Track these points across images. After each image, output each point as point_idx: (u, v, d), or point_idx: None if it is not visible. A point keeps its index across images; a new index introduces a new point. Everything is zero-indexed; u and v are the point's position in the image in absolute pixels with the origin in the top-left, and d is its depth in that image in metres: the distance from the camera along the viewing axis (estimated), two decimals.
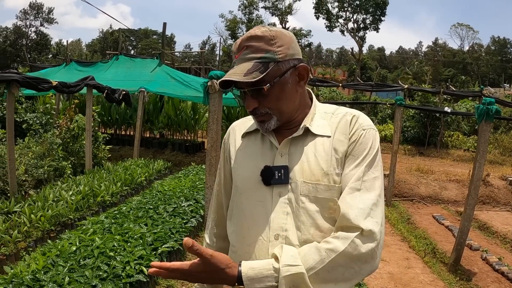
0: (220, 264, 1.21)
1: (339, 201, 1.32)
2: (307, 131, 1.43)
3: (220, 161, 1.68)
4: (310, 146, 1.41)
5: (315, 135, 1.42)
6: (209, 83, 4.24)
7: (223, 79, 1.34)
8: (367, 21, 42.13)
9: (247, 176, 1.45)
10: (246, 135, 1.55)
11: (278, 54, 1.35)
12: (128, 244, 4.23)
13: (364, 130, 1.41)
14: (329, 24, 42.87)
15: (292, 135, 1.42)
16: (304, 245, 1.32)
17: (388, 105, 14.03)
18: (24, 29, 58.11)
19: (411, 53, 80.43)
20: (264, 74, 1.30)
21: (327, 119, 1.46)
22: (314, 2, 42.05)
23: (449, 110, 10.09)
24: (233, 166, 1.54)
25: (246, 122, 1.60)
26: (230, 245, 1.52)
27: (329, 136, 1.41)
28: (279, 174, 1.38)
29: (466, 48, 67.17)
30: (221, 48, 47.43)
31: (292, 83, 1.40)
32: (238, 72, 1.31)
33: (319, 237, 1.34)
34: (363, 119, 1.44)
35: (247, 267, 1.22)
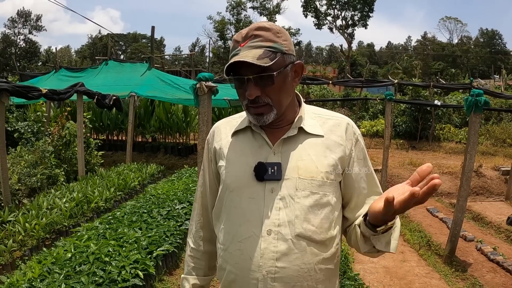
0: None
1: (369, 194, 1.52)
2: (300, 130, 1.47)
3: (204, 162, 1.68)
4: (303, 145, 1.46)
5: (308, 134, 1.47)
6: (197, 85, 4.24)
7: (234, 59, 1.33)
8: (356, 18, 42.16)
9: (238, 173, 1.47)
10: (236, 133, 1.55)
11: (284, 46, 1.38)
12: (123, 248, 4.22)
13: (358, 134, 1.54)
14: (317, 22, 42.88)
15: (287, 135, 1.46)
16: (296, 239, 1.37)
17: (379, 101, 14.09)
18: (12, 37, 57.70)
19: (400, 48, 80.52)
20: (274, 62, 1.33)
21: (317, 119, 1.52)
22: (302, 0, 42.10)
23: (439, 103, 10.14)
24: (222, 164, 1.54)
25: (231, 121, 1.62)
26: (219, 244, 1.52)
27: (321, 136, 1.47)
28: (272, 170, 1.41)
29: (455, 41, 67.37)
30: (210, 49, 47.38)
31: (291, 78, 1.43)
32: (250, 56, 1.31)
33: (311, 231, 1.39)
34: (355, 126, 1.56)
35: None
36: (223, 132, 1.60)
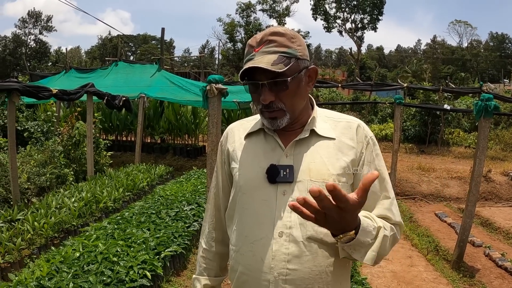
0: (355, 209, 1.13)
1: (379, 197, 1.48)
2: (312, 133, 1.48)
3: (217, 163, 1.70)
4: (315, 147, 1.46)
5: (320, 137, 1.48)
6: (207, 87, 4.26)
7: (249, 65, 1.34)
8: (365, 21, 42.12)
9: (251, 175, 1.48)
10: (249, 135, 1.57)
11: (298, 51, 1.39)
12: (131, 249, 4.25)
13: (370, 137, 1.52)
14: (327, 25, 42.90)
15: (298, 137, 1.46)
16: (307, 241, 1.38)
17: (388, 104, 14.05)
18: (23, 37, 58.17)
19: (410, 51, 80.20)
20: (288, 67, 1.34)
21: (329, 122, 1.52)
22: (312, 3, 42.12)
23: (448, 108, 10.10)
24: (235, 166, 1.55)
25: (245, 124, 1.63)
26: (231, 245, 1.54)
27: (333, 139, 1.47)
28: (284, 173, 1.42)
29: (465, 44, 67.00)
30: (220, 52, 47.46)
31: (305, 83, 1.45)
32: (264, 61, 1.33)
33: (322, 234, 1.38)
34: (367, 128, 1.55)
35: (363, 217, 1.27)
36: (237, 134, 1.62)
